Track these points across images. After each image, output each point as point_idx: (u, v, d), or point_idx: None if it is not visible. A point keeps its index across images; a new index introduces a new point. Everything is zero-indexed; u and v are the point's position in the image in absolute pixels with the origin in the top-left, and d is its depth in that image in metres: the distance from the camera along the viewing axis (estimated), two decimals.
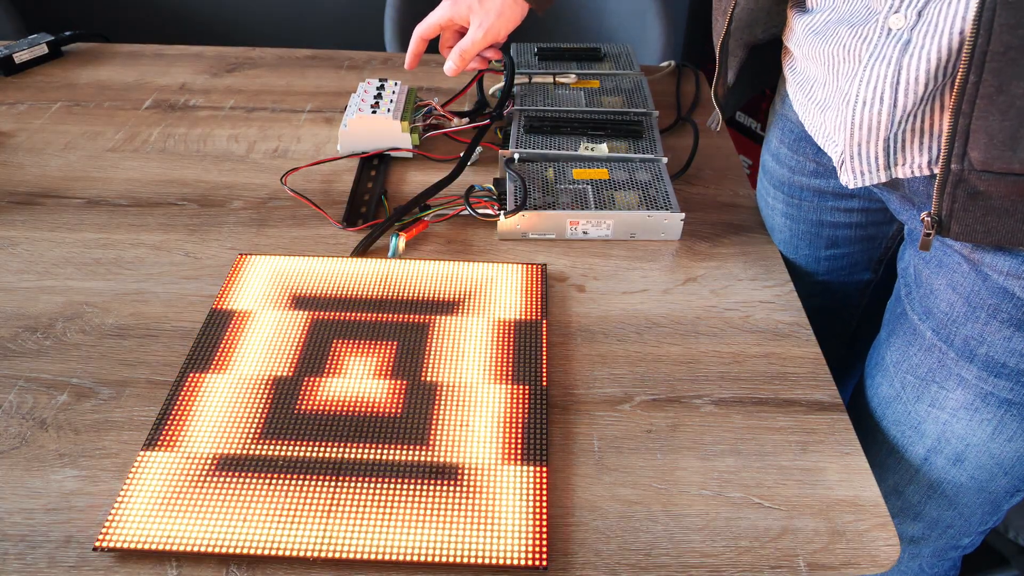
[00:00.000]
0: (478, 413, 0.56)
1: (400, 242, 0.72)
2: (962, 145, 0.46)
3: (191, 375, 0.58)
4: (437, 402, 0.57)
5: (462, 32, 0.82)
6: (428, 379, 0.59)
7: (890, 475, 0.66)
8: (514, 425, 0.55)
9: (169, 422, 0.55)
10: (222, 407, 0.56)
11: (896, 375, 0.63)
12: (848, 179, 0.55)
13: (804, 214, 0.73)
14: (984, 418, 0.57)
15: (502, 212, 0.73)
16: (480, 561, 0.47)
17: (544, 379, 0.59)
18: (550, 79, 0.93)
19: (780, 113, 0.73)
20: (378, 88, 0.89)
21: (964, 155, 0.46)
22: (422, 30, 0.81)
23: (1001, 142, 0.44)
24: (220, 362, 0.59)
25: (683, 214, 0.73)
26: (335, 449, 0.53)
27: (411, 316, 0.64)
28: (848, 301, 0.81)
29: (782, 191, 0.74)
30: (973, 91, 0.44)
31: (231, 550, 0.47)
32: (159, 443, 0.53)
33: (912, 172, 0.53)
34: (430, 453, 0.53)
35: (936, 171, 0.51)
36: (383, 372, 0.59)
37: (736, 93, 0.70)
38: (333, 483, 0.51)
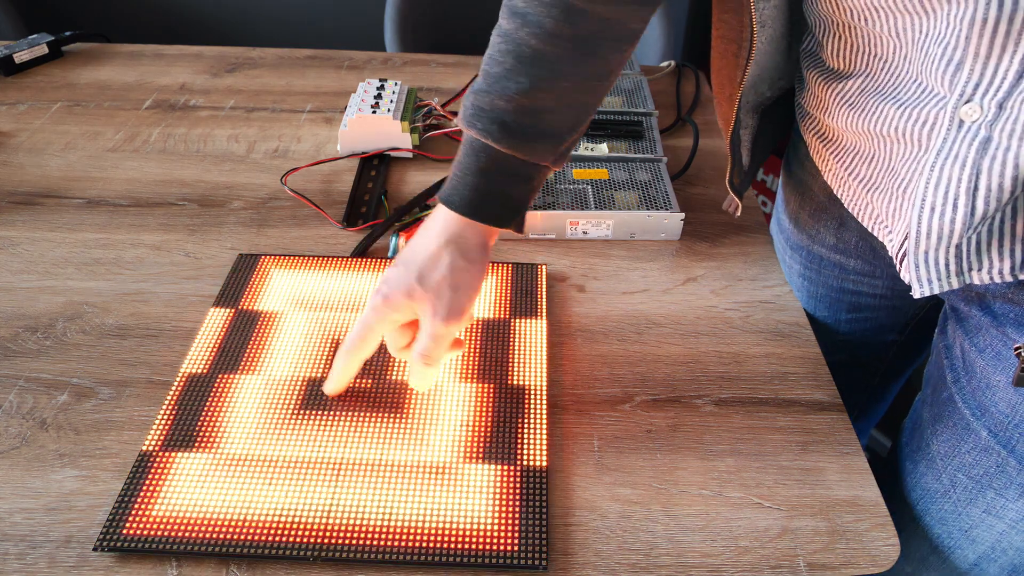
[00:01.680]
0: (479, 413, 0.56)
1: (400, 242, 0.72)
2: None
3: (190, 375, 0.58)
4: (436, 402, 0.57)
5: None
6: None
7: (931, 572, 0.60)
8: (514, 425, 0.55)
9: (169, 422, 0.55)
10: (222, 407, 0.56)
11: (944, 471, 0.56)
12: (916, 288, 0.48)
13: (824, 279, 0.68)
14: None
15: None
16: (480, 561, 0.47)
17: (544, 379, 0.59)
18: None
19: (798, 177, 0.65)
20: (378, 88, 0.89)
21: None
22: (353, 351, 0.53)
23: None
24: (219, 363, 0.59)
25: (683, 214, 0.73)
26: (335, 449, 0.53)
27: None
28: (872, 358, 0.75)
29: (799, 254, 0.69)
30: None
31: (231, 550, 0.47)
32: (159, 443, 0.53)
33: (990, 279, 0.46)
34: (430, 453, 0.53)
35: (1021, 276, 0.45)
36: (382, 372, 0.59)
37: (752, 167, 0.64)
38: (333, 483, 0.51)
